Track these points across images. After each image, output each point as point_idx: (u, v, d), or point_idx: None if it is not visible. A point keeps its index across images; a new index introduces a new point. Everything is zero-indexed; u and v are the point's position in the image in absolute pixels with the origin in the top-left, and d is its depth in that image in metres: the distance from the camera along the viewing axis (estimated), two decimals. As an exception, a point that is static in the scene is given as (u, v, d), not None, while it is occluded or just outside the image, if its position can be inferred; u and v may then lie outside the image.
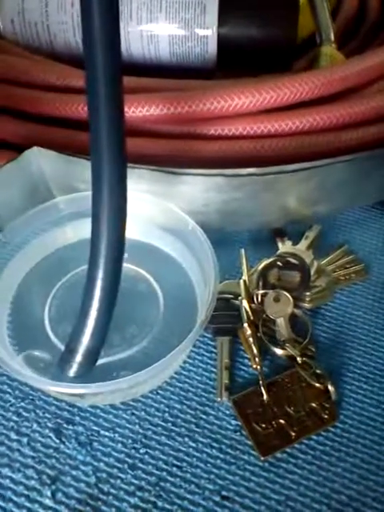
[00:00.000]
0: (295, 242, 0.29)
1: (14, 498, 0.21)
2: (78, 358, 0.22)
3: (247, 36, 0.34)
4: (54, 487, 0.21)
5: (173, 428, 0.23)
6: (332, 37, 0.33)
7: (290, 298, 0.25)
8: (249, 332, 0.24)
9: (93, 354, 0.22)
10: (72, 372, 0.22)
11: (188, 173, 0.26)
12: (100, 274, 0.20)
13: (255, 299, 0.26)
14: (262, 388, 0.23)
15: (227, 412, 0.23)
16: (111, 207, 0.19)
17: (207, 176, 0.26)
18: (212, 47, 0.34)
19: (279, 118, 0.29)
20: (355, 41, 0.36)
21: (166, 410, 0.23)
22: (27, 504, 0.21)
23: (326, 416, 0.23)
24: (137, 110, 0.29)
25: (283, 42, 0.34)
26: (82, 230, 0.28)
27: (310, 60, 0.34)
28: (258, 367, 0.24)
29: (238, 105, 0.29)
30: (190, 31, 0.34)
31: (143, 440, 0.23)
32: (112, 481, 0.21)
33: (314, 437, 0.23)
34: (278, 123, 0.29)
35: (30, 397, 0.24)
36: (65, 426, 0.23)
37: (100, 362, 0.23)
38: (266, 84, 0.29)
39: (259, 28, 0.34)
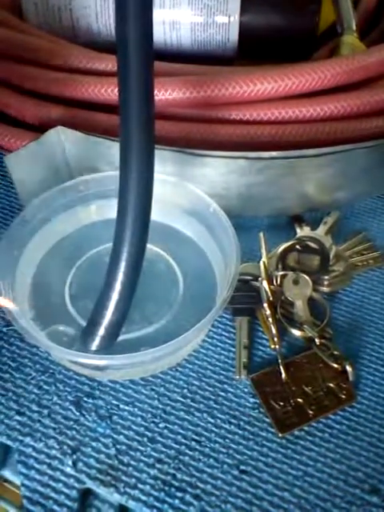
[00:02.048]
0: (313, 228, 0.29)
1: (36, 466, 0.21)
2: (101, 331, 0.22)
3: (269, 24, 0.34)
4: (74, 457, 0.21)
5: (191, 404, 0.23)
6: (354, 26, 0.34)
7: (309, 281, 0.26)
8: (268, 312, 0.25)
9: (115, 328, 0.22)
10: (94, 345, 0.22)
11: (210, 155, 0.27)
12: (125, 248, 0.21)
13: (274, 281, 0.26)
14: (281, 367, 0.24)
15: (245, 390, 0.24)
16: (139, 183, 0.20)
17: (229, 158, 0.27)
18: (233, 35, 0.35)
19: (300, 104, 0.29)
20: (376, 31, 0.37)
21: (185, 386, 0.24)
22: (49, 471, 0.21)
23: (343, 396, 0.23)
24: (159, 94, 0.29)
25: (305, 31, 0.35)
26: (102, 209, 0.28)
27: (330, 50, 0.35)
28: (277, 347, 0.24)
29: (259, 90, 0.29)
30: (212, 18, 0.34)
31: (162, 415, 0.23)
32: (132, 453, 0.22)
33: (332, 416, 0.23)
34: (299, 109, 0.29)
35: (51, 370, 0.24)
36: (85, 399, 0.23)
37: (120, 338, 0.23)
38: (288, 70, 0.29)
39: (281, 17, 0.34)
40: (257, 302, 0.26)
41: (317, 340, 0.25)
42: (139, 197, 0.20)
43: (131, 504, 0.20)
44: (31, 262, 0.27)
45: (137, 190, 0.20)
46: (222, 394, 0.24)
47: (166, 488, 0.21)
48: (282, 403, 0.23)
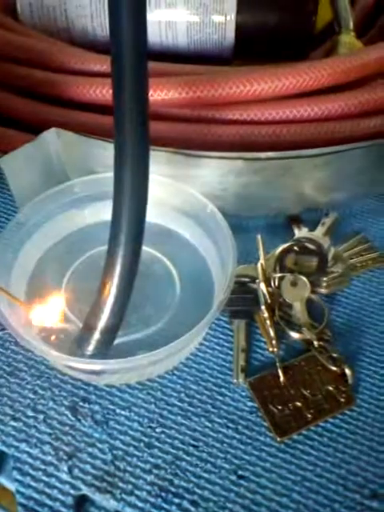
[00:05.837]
0: (311, 229, 0.29)
1: (32, 472, 0.21)
2: (97, 335, 0.22)
3: (266, 24, 0.34)
4: (70, 463, 0.21)
5: (189, 408, 0.23)
6: (351, 25, 0.33)
7: (307, 283, 0.25)
8: (266, 315, 0.24)
9: (111, 332, 0.22)
10: (90, 349, 0.22)
11: (207, 155, 0.26)
12: (120, 251, 0.20)
13: (272, 283, 0.26)
14: (279, 370, 0.23)
15: (243, 394, 0.23)
16: (134, 185, 0.19)
17: (227, 159, 0.26)
18: (230, 34, 0.34)
19: (297, 104, 0.29)
20: (373, 30, 0.36)
21: (182, 390, 0.23)
22: (44, 478, 0.21)
23: (342, 399, 0.23)
24: (155, 94, 0.29)
25: (302, 30, 0.34)
26: (97, 212, 0.28)
27: (327, 49, 0.34)
28: (275, 350, 0.24)
29: (256, 90, 0.29)
30: (209, 17, 0.34)
31: (159, 419, 0.23)
32: (128, 458, 0.21)
33: (331, 420, 0.22)
34: (297, 109, 0.29)
35: (46, 375, 0.24)
36: (81, 404, 0.23)
37: (117, 341, 0.23)
38: (286, 70, 0.29)
39: (278, 16, 0.34)
40: (254, 305, 0.25)
41: (315, 342, 0.24)
42: (134, 198, 0.20)
43: (127, 510, 0.20)
44: (26, 266, 0.26)
45: (132, 192, 0.20)
46: (220, 397, 0.23)
47: (163, 494, 0.20)
48: (280, 407, 0.23)
